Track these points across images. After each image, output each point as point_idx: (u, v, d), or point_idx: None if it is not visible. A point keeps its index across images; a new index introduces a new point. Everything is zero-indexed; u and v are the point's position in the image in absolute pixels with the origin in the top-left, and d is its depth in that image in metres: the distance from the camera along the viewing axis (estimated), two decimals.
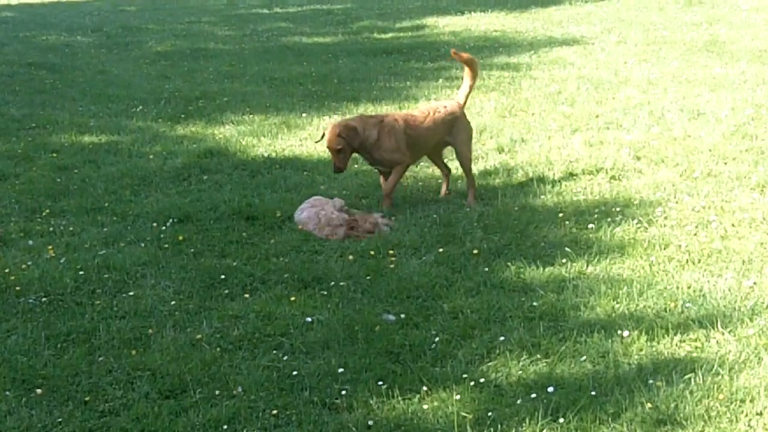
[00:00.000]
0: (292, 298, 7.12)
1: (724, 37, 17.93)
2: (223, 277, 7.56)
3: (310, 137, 11.76)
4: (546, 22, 21.37)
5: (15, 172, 10.63)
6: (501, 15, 22.55)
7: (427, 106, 9.68)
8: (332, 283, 7.39)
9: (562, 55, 17.02)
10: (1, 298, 7.27)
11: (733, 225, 8.26)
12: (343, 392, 5.84)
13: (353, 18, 23.60)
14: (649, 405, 5.50)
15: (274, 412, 5.61)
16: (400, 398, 5.74)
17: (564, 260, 7.65)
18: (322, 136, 9.06)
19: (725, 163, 9.97)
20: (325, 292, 7.23)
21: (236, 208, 9.10)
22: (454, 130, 9.29)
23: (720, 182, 9.37)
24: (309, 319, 6.76)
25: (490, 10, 23.00)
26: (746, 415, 5.41)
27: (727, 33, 18.40)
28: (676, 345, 6.22)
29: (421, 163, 10.30)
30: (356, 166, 10.23)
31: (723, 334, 6.31)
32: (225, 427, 5.48)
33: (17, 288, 7.41)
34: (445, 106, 9.34)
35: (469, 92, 9.47)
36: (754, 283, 7.07)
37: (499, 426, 5.35)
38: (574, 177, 9.79)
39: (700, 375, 5.78)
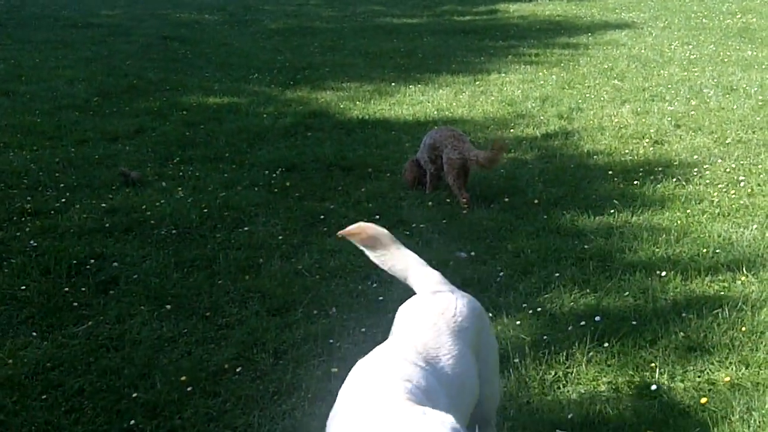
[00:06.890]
0: None
1: (755, 25, 17.63)
2: (322, 217, 7.57)
3: (397, 103, 11.72)
4: (602, 9, 21.16)
5: (152, 126, 10.72)
6: (563, 2, 22.40)
7: None
8: (414, 225, 7.38)
9: (615, 37, 16.78)
10: (139, 229, 7.36)
11: (759, 184, 8.10)
12: None
13: (437, 3, 23.50)
14: (682, 334, 5.42)
15: (363, 329, 5.61)
16: None
17: (612, 211, 7.55)
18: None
19: (753, 132, 9.83)
20: (408, 233, 7.20)
21: (334, 160, 9.11)
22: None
23: (749, 148, 9.22)
24: None
25: None
26: (765, 345, 5.30)
27: (758, 21, 18.09)
28: (707, 285, 6.11)
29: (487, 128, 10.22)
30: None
31: (747, 276, 6.19)
32: (322, 340, 5.52)
33: (152, 222, 7.49)
34: None
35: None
36: None
37: (553, 348, 5.31)
38: (623, 141, 9.65)
39: (726, 310, 5.67)
